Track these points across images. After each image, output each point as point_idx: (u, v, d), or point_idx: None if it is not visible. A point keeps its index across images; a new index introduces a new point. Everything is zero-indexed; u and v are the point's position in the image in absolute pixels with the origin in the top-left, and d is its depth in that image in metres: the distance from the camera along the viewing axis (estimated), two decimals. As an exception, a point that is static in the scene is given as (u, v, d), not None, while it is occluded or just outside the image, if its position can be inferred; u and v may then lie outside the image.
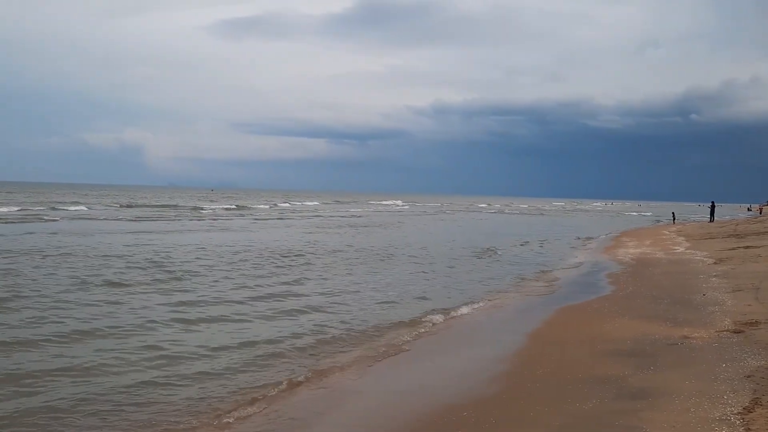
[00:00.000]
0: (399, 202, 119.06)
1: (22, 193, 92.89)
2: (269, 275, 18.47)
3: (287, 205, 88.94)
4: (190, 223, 42.51)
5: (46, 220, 39.62)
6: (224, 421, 7.33)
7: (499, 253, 27.47)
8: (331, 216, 61.37)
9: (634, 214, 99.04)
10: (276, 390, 8.41)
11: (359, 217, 62.38)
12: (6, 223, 36.61)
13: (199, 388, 8.39)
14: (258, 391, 8.33)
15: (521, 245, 32.29)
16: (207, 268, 19.14)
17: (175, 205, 69.43)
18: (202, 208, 64.90)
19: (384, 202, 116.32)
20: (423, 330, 12.13)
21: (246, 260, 21.64)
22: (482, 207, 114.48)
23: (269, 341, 10.80)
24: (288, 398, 8.18)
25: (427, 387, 8.63)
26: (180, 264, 19.66)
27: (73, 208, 57.04)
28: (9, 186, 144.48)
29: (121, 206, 64.89)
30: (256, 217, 53.77)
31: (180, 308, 13.19)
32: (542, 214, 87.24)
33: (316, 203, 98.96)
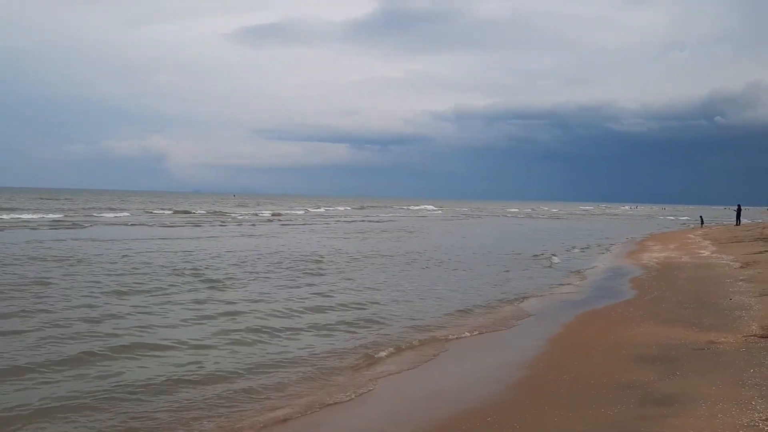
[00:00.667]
0: (430, 207, 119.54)
1: (57, 200, 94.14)
2: (355, 278, 19.56)
3: (321, 210, 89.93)
4: (245, 229, 43.32)
5: (87, 226, 40.30)
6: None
7: (556, 258, 27.14)
8: (370, 221, 61.63)
9: (661, 217, 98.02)
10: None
11: (397, 221, 62.75)
12: (56, 229, 37.41)
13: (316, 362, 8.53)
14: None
15: (575, 250, 31.84)
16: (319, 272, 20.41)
17: (221, 212, 69.72)
18: (244, 214, 66.02)
19: (414, 207, 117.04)
20: (451, 335, 12.08)
21: (332, 265, 22.54)
22: (513, 211, 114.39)
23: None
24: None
25: (450, 391, 8.61)
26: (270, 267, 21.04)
27: (123, 213, 57.98)
28: (37, 192, 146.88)
29: (175, 212, 65.41)
30: (298, 222, 54.64)
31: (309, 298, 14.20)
32: (567, 219, 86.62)
33: (347, 208, 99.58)
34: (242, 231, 41.06)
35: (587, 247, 34.03)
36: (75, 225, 41.06)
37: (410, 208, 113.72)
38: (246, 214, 66.51)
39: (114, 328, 11.59)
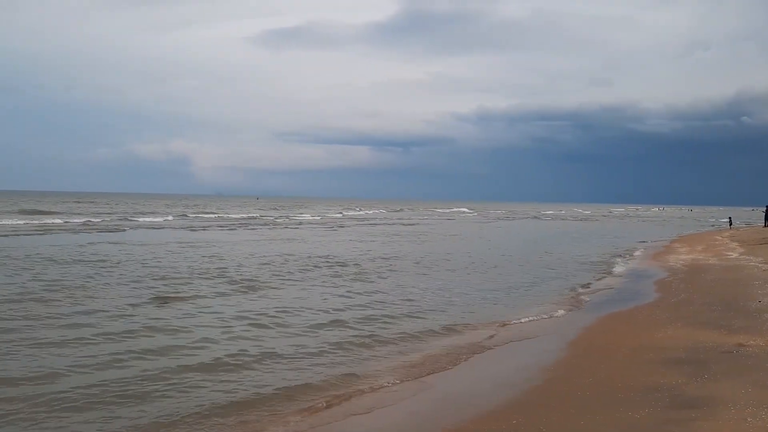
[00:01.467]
0: (465, 209, 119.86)
1: (96, 203, 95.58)
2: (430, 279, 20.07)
3: (361, 212, 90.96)
4: (299, 232, 43.95)
5: (133, 229, 41.07)
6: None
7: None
8: (411, 224, 61.70)
9: (687, 219, 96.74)
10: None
11: (440, 224, 63.14)
12: (100, 231, 38.30)
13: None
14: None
15: (605, 254, 31.70)
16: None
17: (262, 217, 69.92)
18: (286, 217, 67.30)
19: (450, 210, 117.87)
20: (476, 341, 12.07)
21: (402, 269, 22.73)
22: (549, 213, 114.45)
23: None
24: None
25: (475, 394, 8.61)
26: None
27: (168, 217, 58.79)
28: (67, 196, 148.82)
29: (217, 216, 64.94)
30: (348, 225, 55.48)
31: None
32: (599, 220, 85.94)
33: (382, 211, 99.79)
34: (296, 234, 41.40)
35: (615, 250, 33.75)
36: (118, 228, 42.24)
37: (445, 210, 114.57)
38: (280, 217, 67.67)
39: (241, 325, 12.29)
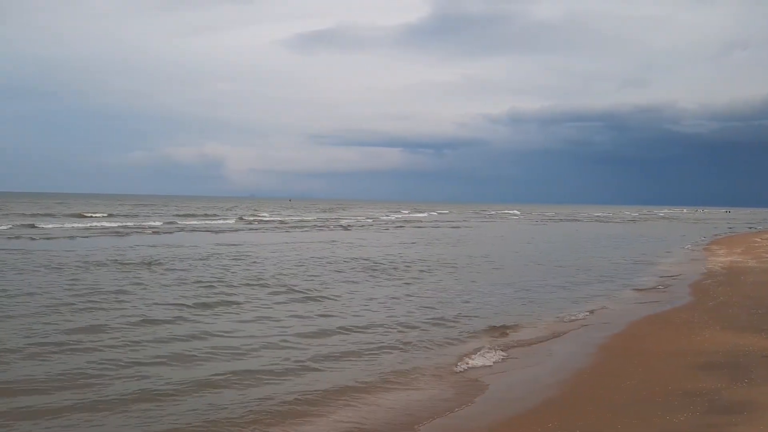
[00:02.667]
0: (515, 212, 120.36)
1: (153, 205, 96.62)
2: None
3: (409, 214, 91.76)
4: (362, 234, 44.51)
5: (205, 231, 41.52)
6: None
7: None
8: (471, 226, 61.86)
9: (725, 221, 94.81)
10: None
11: (499, 226, 63.64)
12: (159, 233, 39.09)
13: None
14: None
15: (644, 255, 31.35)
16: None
17: (326, 219, 70.44)
18: (336, 219, 68.42)
19: (502, 212, 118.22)
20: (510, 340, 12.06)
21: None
22: (599, 215, 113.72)
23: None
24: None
25: (507, 397, 8.61)
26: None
27: (220, 220, 59.00)
28: (106, 198, 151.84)
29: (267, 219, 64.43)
30: (408, 227, 56.17)
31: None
32: (644, 222, 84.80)
33: (432, 213, 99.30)
34: (361, 236, 42.13)
35: (653, 253, 33.30)
36: (182, 228, 43.69)
37: (490, 212, 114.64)
38: (328, 219, 68.50)
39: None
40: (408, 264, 24.13)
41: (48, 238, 32.24)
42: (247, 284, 17.55)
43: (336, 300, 15.82)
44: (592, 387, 8.83)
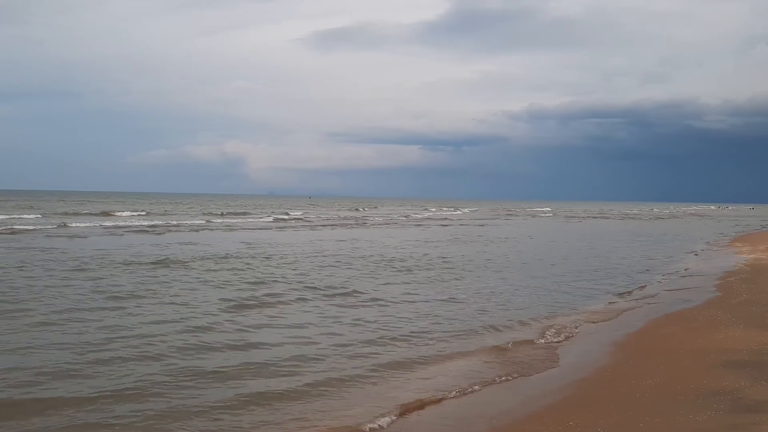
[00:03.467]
0: (547, 209, 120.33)
1: (173, 203, 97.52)
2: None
3: (456, 212, 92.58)
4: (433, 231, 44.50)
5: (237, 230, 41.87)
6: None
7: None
8: (510, 223, 62.10)
9: (749, 218, 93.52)
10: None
11: (537, 222, 64.65)
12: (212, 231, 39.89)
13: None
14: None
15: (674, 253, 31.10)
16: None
17: (359, 217, 71.27)
18: (363, 216, 70.19)
19: (533, 209, 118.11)
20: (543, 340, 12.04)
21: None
22: (635, 213, 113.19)
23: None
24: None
25: (530, 396, 8.57)
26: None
27: (270, 218, 59.73)
28: (130, 196, 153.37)
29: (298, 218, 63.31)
30: (449, 225, 56.36)
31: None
32: (677, 219, 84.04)
33: (466, 211, 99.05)
34: (410, 234, 42.90)
35: (677, 249, 32.96)
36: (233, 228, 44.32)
37: (532, 210, 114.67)
38: (361, 217, 69.88)
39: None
40: (489, 261, 25.16)
41: (88, 237, 32.75)
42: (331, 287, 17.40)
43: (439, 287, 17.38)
44: (614, 384, 8.77)
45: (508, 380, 9.35)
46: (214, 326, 11.99)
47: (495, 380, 9.29)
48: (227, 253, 24.84)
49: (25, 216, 48.37)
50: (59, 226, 39.71)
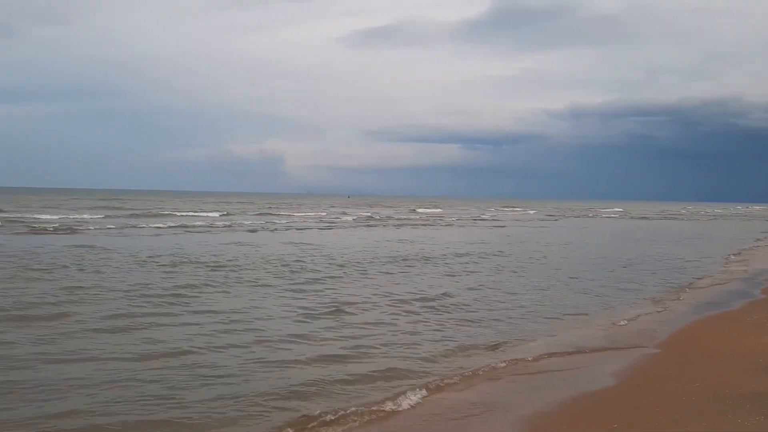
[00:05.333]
0: (618, 209, 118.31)
1: (234, 203, 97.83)
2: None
3: (520, 211, 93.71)
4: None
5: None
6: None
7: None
8: (590, 225, 61.53)
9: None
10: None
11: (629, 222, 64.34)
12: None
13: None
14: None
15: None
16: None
17: (429, 216, 71.83)
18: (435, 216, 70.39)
19: (604, 209, 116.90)
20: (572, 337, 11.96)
21: None
22: (718, 213, 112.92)
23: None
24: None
25: (572, 396, 8.53)
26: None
27: (350, 218, 59.93)
28: (168, 195, 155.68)
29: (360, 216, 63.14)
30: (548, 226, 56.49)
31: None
32: (726, 219, 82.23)
33: (535, 211, 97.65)
34: (507, 233, 43.60)
35: (725, 251, 32.30)
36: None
37: (602, 210, 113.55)
38: (432, 216, 70.29)
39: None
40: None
41: (157, 235, 33.34)
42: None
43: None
44: (658, 387, 8.65)
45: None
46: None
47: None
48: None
49: (91, 216, 48.52)
50: (135, 226, 39.27)
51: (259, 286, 16.57)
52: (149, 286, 15.72)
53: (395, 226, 49.38)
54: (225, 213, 60.58)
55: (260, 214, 61.67)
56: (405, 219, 61.45)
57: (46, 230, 33.71)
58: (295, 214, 62.36)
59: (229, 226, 42.39)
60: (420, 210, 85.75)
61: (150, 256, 21.71)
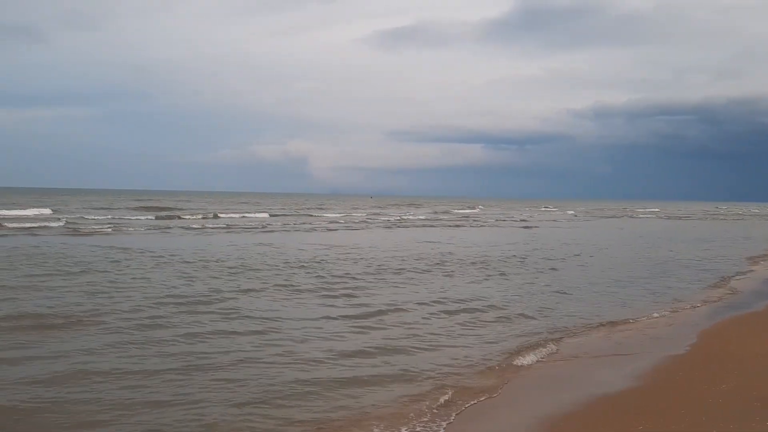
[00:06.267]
0: (656, 209, 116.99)
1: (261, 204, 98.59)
2: None
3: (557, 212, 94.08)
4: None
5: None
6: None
7: None
8: (633, 225, 61.44)
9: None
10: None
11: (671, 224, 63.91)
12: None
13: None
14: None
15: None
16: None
17: (467, 216, 72.20)
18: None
19: (639, 209, 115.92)
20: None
21: None
22: (721, 212, 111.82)
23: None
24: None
25: (597, 396, 8.49)
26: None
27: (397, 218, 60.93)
28: (200, 195, 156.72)
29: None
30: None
31: None
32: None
33: (574, 212, 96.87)
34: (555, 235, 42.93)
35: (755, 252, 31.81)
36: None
37: (637, 210, 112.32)
38: (469, 216, 70.73)
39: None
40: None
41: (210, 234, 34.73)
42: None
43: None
44: (684, 389, 8.57)
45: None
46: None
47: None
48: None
49: (139, 217, 49.84)
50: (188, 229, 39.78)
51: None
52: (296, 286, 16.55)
53: (454, 225, 50.83)
54: (275, 214, 61.54)
55: (303, 215, 62.53)
56: (456, 220, 61.89)
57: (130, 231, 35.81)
58: (352, 213, 65.25)
59: (288, 225, 44.54)
60: (456, 210, 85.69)
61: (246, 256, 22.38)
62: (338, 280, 17.86)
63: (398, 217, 60.85)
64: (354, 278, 18.27)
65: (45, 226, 36.38)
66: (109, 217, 48.14)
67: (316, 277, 18.32)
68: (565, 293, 16.89)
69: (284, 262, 21.42)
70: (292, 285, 16.71)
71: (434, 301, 15.14)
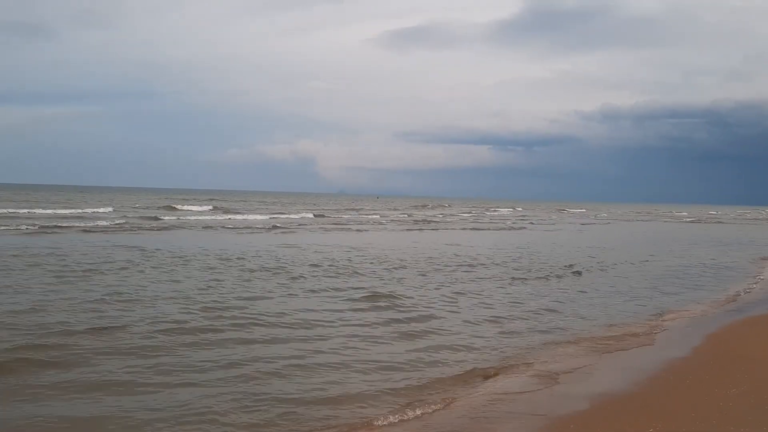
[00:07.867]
0: (685, 213, 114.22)
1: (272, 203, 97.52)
2: None
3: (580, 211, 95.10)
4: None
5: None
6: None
7: None
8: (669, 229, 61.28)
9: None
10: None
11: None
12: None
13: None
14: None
15: None
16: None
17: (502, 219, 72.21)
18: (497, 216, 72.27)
19: (669, 212, 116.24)
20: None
21: None
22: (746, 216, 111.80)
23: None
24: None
25: (607, 397, 8.41)
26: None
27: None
28: (195, 194, 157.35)
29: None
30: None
31: None
32: None
33: (603, 214, 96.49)
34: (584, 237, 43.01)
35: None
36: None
37: (670, 213, 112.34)
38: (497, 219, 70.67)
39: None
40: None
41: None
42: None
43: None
44: (694, 392, 8.46)
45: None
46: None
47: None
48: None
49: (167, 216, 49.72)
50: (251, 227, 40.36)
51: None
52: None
53: (520, 228, 51.63)
54: (319, 214, 61.91)
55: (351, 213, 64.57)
56: (490, 221, 62.49)
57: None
58: (390, 213, 67.85)
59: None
60: (493, 211, 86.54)
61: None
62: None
63: (475, 215, 62.40)
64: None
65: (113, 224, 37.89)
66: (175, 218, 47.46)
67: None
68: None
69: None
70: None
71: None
